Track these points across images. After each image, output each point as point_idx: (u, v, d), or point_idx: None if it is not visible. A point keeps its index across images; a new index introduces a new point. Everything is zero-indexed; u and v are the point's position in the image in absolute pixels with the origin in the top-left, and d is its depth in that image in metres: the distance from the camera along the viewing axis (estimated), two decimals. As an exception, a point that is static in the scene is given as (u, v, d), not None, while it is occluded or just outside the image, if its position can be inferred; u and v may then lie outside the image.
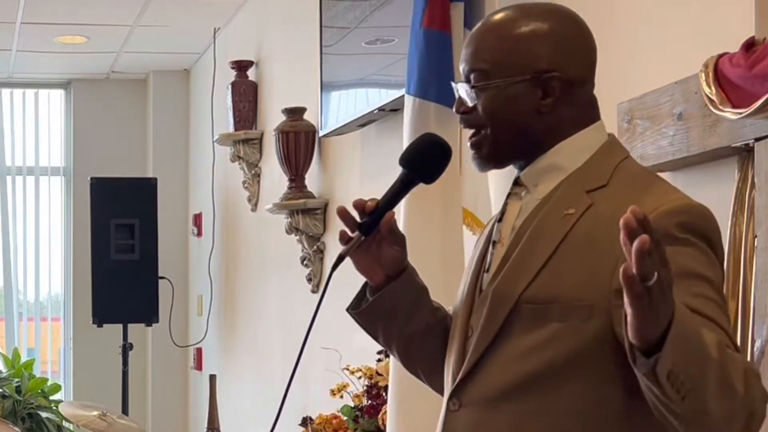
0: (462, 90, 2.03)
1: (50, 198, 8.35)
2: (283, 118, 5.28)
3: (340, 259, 2.06)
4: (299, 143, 5.21)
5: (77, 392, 7.96)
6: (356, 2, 4.41)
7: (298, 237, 5.28)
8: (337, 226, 5.19)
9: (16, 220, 8.24)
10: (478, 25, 2.07)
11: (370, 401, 3.91)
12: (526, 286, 1.93)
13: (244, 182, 6.29)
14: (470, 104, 2.02)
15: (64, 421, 7.03)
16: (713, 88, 2.28)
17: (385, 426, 3.48)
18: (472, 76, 2.01)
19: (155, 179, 7.27)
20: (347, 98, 4.61)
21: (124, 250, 7.06)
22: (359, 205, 2.05)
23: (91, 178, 7.16)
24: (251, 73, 6.29)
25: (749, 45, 2.24)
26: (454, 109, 2.07)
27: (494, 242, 2.06)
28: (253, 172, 6.22)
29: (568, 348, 1.88)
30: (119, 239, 7.05)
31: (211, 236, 7.13)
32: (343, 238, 2.06)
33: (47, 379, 7.66)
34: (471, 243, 3.39)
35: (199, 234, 7.57)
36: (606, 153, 2.00)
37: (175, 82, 8.02)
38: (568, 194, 1.96)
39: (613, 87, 2.89)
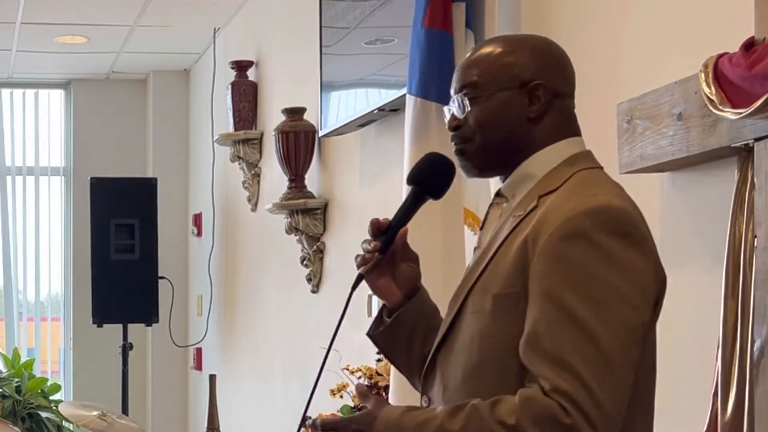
0: (453, 103, 2.14)
1: (50, 198, 8.35)
2: (283, 118, 5.28)
3: (359, 278, 2.16)
4: (299, 143, 5.21)
5: (77, 392, 7.96)
6: (356, 2, 4.41)
7: (297, 237, 5.28)
8: (337, 226, 5.20)
9: (16, 220, 8.24)
10: (467, 54, 2.20)
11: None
12: (474, 281, 2.07)
13: (244, 182, 6.29)
14: (462, 115, 2.12)
15: (64, 421, 7.03)
16: (713, 88, 2.28)
17: (385, 426, 3.47)
18: (463, 90, 2.13)
19: (155, 179, 7.27)
20: (347, 98, 4.61)
21: (124, 250, 7.06)
22: (375, 224, 2.15)
23: (91, 178, 7.16)
24: (251, 73, 6.29)
25: (749, 45, 2.24)
26: (447, 127, 2.16)
27: (475, 249, 2.19)
28: (253, 172, 6.22)
29: (503, 333, 1.99)
30: (119, 239, 7.05)
31: (211, 236, 7.13)
32: (361, 259, 2.15)
33: (47, 379, 7.66)
34: (472, 243, 3.40)
35: (199, 234, 7.57)
36: (571, 162, 2.10)
37: (175, 82, 8.02)
38: (527, 198, 2.08)
39: (613, 87, 2.89)
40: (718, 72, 2.28)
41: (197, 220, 7.61)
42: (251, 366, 6.41)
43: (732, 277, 2.32)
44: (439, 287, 3.29)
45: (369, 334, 2.26)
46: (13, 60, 7.54)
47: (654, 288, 1.97)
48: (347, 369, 3.98)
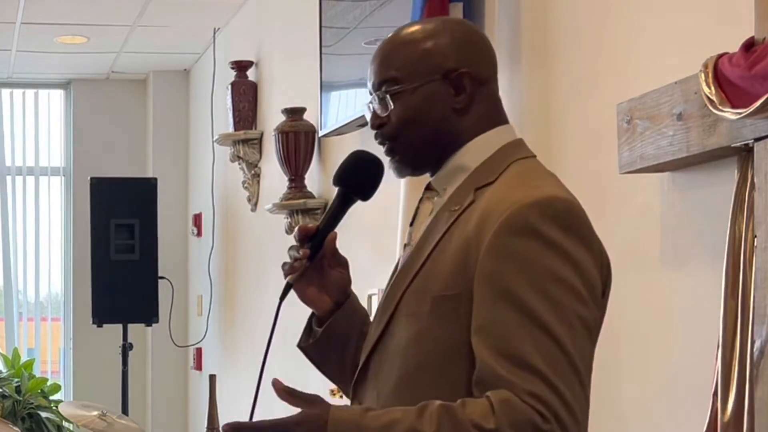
0: (375, 101, 2.04)
1: (50, 198, 8.35)
2: (282, 118, 5.28)
3: (288, 287, 2.07)
4: (299, 143, 5.21)
5: (77, 392, 7.96)
6: (356, 2, 4.41)
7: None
8: (337, 226, 5.19)
9: (16, 220, 8.24)
10: (380, 42, 2.09)
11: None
12: (409, 282, 1.97)
13: (244, 182, 6.29)
14: (385, 113, 2.02)
15: (64, 421, 7.03)
16: (713, 88, 2.28)
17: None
18: (383, 87, 2.03)
19: (155, 179, 7.27)
20: (347, 98, 4.61)
21: (124, 250, 7.06)
22: (302, 230, 2.06)
23: (91, 178, 7.16)
24: (251, 73, 6.29)
25: (749, 45, 2.24)
26: (370, 125, 2.07)
27: (405, 245, 2.09)
28: (252, 172, 6.22)
29: (444, 337, 1.90)
30: (119, 239, 7.05)
31: (211, 236, 7.13)
32: (289, 267, 2.06)
33: (47, 379, 7.67)
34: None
35: (199, 234, 7.57)
36: (505, 152, 2.02)
37: (175, 82, 8.02)
38: (461, 192, 1.99)
39: (613, 87, 2.89)
40: (718, 72, 2.28)
41: (197, 220, 7.60)
42: (251, 366, 6.40)
43: (732, 277, 2.32)
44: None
45: (300, 346, 2.17)
46: (13, 60, 7.54)
47: (600, 283, 1.92)
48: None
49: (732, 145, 2.33)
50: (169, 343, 7.31)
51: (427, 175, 2.09)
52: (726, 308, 2.32)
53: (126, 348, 7.09)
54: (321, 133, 4.91)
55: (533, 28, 3.32)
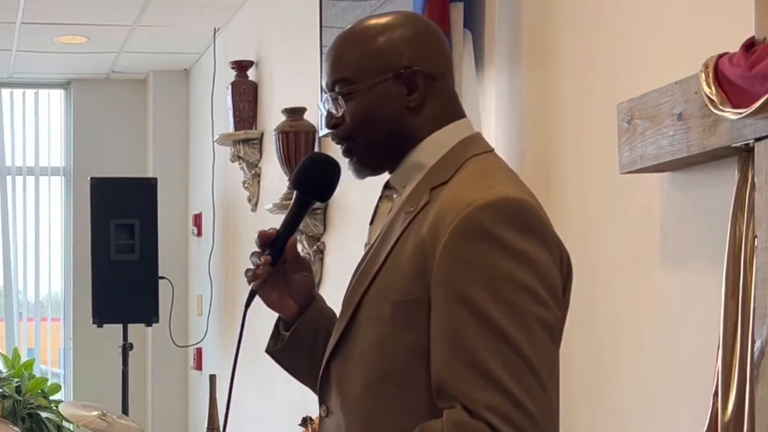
0: (328, 101, 2.03)
1: (50, 198, 8.35)
2: (283, 118, 5.27)
3: (253, 294, 2.06)
4: (299, 143, 5.21)
5: (77, 392, 7.96)
6: (356, 2, 4.41)
7: (298, 237, 5.28)
8: (337, 226, 5.19)
9: (16, 220, 8.24)
10: (334, 39, 2.08)
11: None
12: (367, 286, 1.95)
13: (244, 182, 6.29)
14: (339, 114, 2.02)
15: (64, 421, 7.03)
16: (713, 88, 2.28)
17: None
18: (336, 87, 2.02)
19: (155, 179, 7.27)
20: (347, 98, 4.60)
21: (124, 250, 7.06)
22: (263, 236, 2.05)
23: (91, 178, 7.16)
24: (251, 73, 6.29)
25: (749, 45, 2.23)
26: (324, 126, 2.07)
27: (366, 245, 2.08)
28: (253, 172, 6.22)
29: (406, 343, 1.89)
30: (119, 239, 7.05)
31: (211, 236, 7.12)
32: (252, 274, 2.06)
33: (47, 379, 7.66)
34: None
35: (199, 234, 7.57)
36: (461, 148, 2.00)
37: (175, 82, 8.02)
38: (417, 192, 1.98)
39: (613, 87, 2.89)
40: (718, 72, 2.28)
41: (197, 220, 7.60)
42: (251, 366, 6.40)
43: (732, 277, 2.32)
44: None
45: (268, 351, 2.16)
46: (13, 60, 7.54)
47: (560, 280, 1.89)
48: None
49: (732, 145, 2.32)
50: (169, 343, 7.31)
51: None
52: (726, 308, 2.32)
53: (126, 348, 7.09)
54: (321, 133, 4.91)
55: (533, 28, 3.32)
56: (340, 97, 2.00)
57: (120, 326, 7.09)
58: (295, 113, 5.26)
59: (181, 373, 7.96)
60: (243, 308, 2.11)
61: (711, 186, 2.53)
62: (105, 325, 7.07)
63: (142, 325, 7.28)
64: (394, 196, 2.05)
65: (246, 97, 6.22)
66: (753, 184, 2.27)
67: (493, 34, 3.50)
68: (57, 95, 8.36)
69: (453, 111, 2.04)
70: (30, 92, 8.28)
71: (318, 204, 2.28)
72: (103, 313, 7.04)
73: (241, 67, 6.26)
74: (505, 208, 1.85)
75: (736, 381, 2.28)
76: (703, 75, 2.30)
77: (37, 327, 8.37)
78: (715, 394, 2.33)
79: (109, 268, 7.01)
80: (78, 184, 7.96)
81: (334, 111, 2.03)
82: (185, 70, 7.99)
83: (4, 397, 7.29)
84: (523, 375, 1.78)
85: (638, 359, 2.80)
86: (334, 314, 2.13)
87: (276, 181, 5.72)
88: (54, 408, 7.26)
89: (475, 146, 2.01)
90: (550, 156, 3.22)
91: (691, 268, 2.61)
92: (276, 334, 2.16)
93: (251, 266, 2.08)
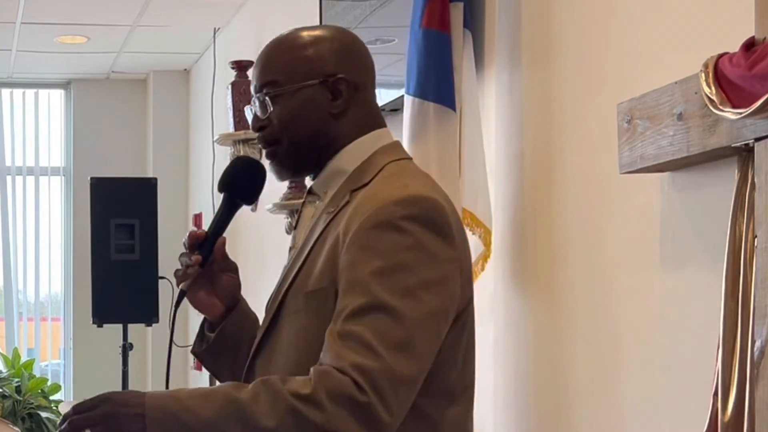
0: (256, 103, 2.12)
1: (50, 198, 8.35)
2: (283, 118, 5.27)
3: (182, 295, 2.12)
4: (299, 143, 5.20)
5: (77, 392, 7.96)
6: (356, 2, 4.41)
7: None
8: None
9: (16, 220, 8.24)
10: (264, 47, 2.16)
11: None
12: (289, 285, 2.04)
13: (244, 182, 6.27)
14: (265, 116, 2.09)
15: (64, 421, 7.02)
16: (713, 88, 2.28)
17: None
18: (264, 90, 2.10)
19: (155, 179, 7.27)
20: (347, 98, 4.60)
21: (124, 250, 7.05)
22: (193, 236, 2.12)
23: (91, 178, 7.15)
24: (251, 73, 6.28)
25: (749, 45, 2.23)
26: (251, 128, 2.14)
27: (290, 249, 2.17)
28: (253, 172, 6.21)
29: (318, 332, 1.96)
30: (119, 239, 7.04)
31: (211, 236, 7.12)
32: (183, 274, 2.11)
33: (47, 379, 7.67)
34: (471, 243, 3.40)
35: (199, 234, 7.56)
36: (380, 155, 2.09)
37: (175, 82, 8.02)
38: (339, 194, 2.07)
39: (613, 87, 2.88)
40: (718, 72, 2.28)
41: (197, 220, 7.60)
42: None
43: (732, 277, 2.32)
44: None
45: (194, 352, 2.22)
46: (13, 60, 7.54)
47: (457, 277, 1.98)
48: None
49: (732, 145, 2.32)
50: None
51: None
52: (726, 308, 2.32)
53: (126, 348, 7.09)
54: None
55: (533, 28, 3.32)
56: (267, 98, 2.09)
57: (120, 326, 7.08)
58: (295, 113, 5.25)
59: (181, 373, 7.96)
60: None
61: (711, 186, 2.52)
62: (105, 325, 7.06)
63: (142, 325, 7.27)
64: (317, 201, 2.14)
65: (246, 97, 6.22)
66: (753, 184, 2.27)
67: (493, 34, 3.50)
68: (57, 95, 8.36)
69: (374, 120, 2.13)
70: (30, 92, 8.28)
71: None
72: (103, 313, 7.04)
73: (241, 67, 6.26)
74: (415, 205, 1.95)
75: (736, 381, 2.28)
76: (703, 75, 2.30)
77: (37, 327, 8.37)
78: (715, 394, 2.33)
79: (109, 268, 7.01)
80: (78, 184, 7.96)
81: (260, 113, 2.11)
82: (185, 70, 7.99)
83: (4, 397, 7.29)
84: (399, 347, 1.87)
85: (638, 359, 2.80)
86: (257, 318, 2.21)
87: (275, 181, 5.70)
88: (54, 408, 7.26)
89: (394, 153, 2.11)
90: (550, 156, 3.22)
91: (691, 268, 2.61)
92: (201, 335, 2.22)
93: (184, 267, 2.13)
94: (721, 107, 2.25)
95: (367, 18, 4.31)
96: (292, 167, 2.12)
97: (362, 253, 1.92)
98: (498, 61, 3.48)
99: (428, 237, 1.93)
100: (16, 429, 5.98)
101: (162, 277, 7.13)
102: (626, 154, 2.65)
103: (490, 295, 3.45)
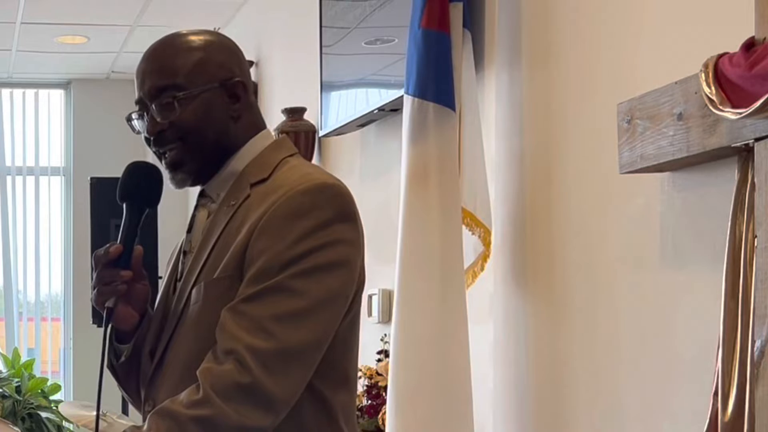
0: (154, 109, 2.11)
1: (50, 198, 8.35)
2: (283, 118, 5.27)
3: (111, 312, 2.11)
4: (299, 143, 5.21)
5: (77, 392, 7.96)
6: (356, 2, 4.41)
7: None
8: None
9: (16, 220, 8.24)
10: (147, 52, 2.16)
11: (369, 401, 3.91)
12: (196, 277, 2.07)
13: (244, 182, 6.28)
14: (165, 120, 2.09)
15: (64, 421, 7.02)
16: (713, 88, 2.27)
17: (384, 426, 3.48)
18: (164, 93, 2.09)
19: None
20: (347, 98, 4.60)
21: (124, 250, 7.05)
22: (115, 252, 2.11)
23: (91, 178, 7.15)
24: (251, 73, 6.28)
25: (749, 45, 2.23)
26: (145, 134, 2.16)
27: (185, 252, 2.18)
28: (253, 172, 6.21)
29: (216, 318, 1.99)
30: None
31: (211, 236, 7.12)
32: (112, 291, 2.11)
33: (47, 379, 7.66)
34: (471, 243, 3.40)
35: (199, 234, 7.56)
36: (271, 151, 2.14)
37: (175, 82, 8.02)
38: (236, 188, 2.10)
39: (613, 87, 2.88)
40: (718, 72, 2.28)
41: (197, 220, 7.60)
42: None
43: (732, 277, 2.32)
44: (438, 288, 3.29)
45: (111, 366, 2.22)
46: (13, 60, 7.54)
47: (359, 262, 2.05)
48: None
49: (732, 145, 2.32)
50: (169, 343, 7.31)
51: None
52: (726, 308, 2.32)
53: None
54: (321, 133, 4.90)
55: (533, 28, 3.32)
56: (174, 102, 2.07)
57: (120, 326, 7.08)
58: (295, 113, 5.25)
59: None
60: None
61: (711, 186, 2.52)
62: (105, 325, 7.06)
63: (142, 325, 7.27)
64: (208, 203, 2.15)
65: (246, 97, 6.21)
66: (753, 184, 2.27)
67: (493, 34, 3.49)
68: (57, 95, 8.36)
69: (260, 121, 2.18)
70: (30, 92, 8.28)
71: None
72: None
73: (241, 67, 6.25)
74: (322, 193, 2.01)
75: (736, 381, 2.28)
76: (703, 75, 2.30)
77: (37, 327, 8.37)
78: (715, 394, 2.33)
79: (109, 268, 7.00)
80: (78, 184, 7.96)
81: (159, 118, 2.10)
82: (185, 70, 7.99)
83: (4, 397, 7.28)
84: (290, 322, 1.93)
85: (638, 359, 2.80)
86: None
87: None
88: (54, 408, 7.26)
89: (285, 149, 2.16)
90: (550, 156, 3.21)
91: (691, 268, 2.61)
92: (112, 349, 2.22)
93: (110, 284, 2.13)
94: (721, 107, 2.25)
95: (367, 18, 4.31)
96: (195, 171, 2.13)
97: (272, 242, 1.96)
98: (498, 61, 3.47)
99: (336, 222, 1.99)
100: (16, 429, 5.97)
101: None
102: (626, 154, 2.65)
103: (490, 294, 3.45)
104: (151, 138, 2.13)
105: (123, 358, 2.19)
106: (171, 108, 2.08)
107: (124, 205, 2.16)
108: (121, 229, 2.13)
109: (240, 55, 2.18)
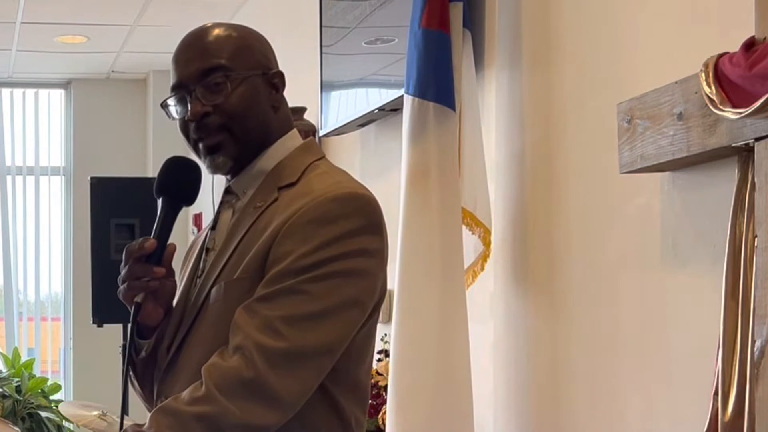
0: (198, 91, 2.06)
1: (50, 198, 8.35)
2: (283, 117, 5.27)
3: (138, 308, 2.09)
4: (299, 143, 5.20)
5: (77, 392, 7.96)
6: (356, 2, 4.41)
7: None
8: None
9: (16, 220, 8.24)
10: (186, 38, 2.14)
11: (369, 401, 3.91)
12: (218, 274, 2.05)
13: (244, 182, 6.27)
14: (211, 102, 2.05)
15: (64, 421, 7.02)
16: (713, 87, 2.27)
17: (384, 426, 3.48)
18: (211, 75, 2.05)
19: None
20: (347, 98, 4.60)
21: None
22: (150, 247, 2.08)
23: (91, 178, 7.15)
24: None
25: (749, 45, 2.23)
26: (189, 117, 2.09)
27: (207, 249, 2.16)
28: (253, 171, 6.21)
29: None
30: (119, 239, 7.03)
31: (211, 236, 7.12)
32: (141, 286, 2.08)
33: (47, 379, 7.66)
34: (471, 243, 3.40)
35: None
36: (300, 153, 2.12)
37: (175, 82, 8.02)
38: (263, 190, 2.08)
39: (613, 87, 2.88)
40: (718, 72, 2.28)
41: (197, 219, 7.60)
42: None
43: (732, 277, 2.32)
44: (438, 287, 3.29)
45: (132, 362, 2.20)
46: (13, 60, 7.54)
47: (382, 274, 2.05)
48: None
49: (732, 145, 2.32)
50: (169, 343, 7.30)
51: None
52: (726, 308, 2.32)
53: (126, 348, 7.08)
54: (321, 133, 4.90)
55: (533, 28, 3.32)
56: (225, 82, 2.04)
57: (120, 326, 7.08)
58: (295, 113, 5.25)
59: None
60: None
61: (711, 186, 2.52)
62: (105, 325, 7.06)
63: (143, 325, 7.27)
64: (234, 201, 2.15)
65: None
66: (753, 184, 2.27)
67: (493, 34, 3.49)
68: (57, 95, 8.36)
69: (290, 120, 2.17)
70: (30, 92, 8.28)
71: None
72: (103, 313, 7.03)
73: (241, 67, 6.26)
74: (352, 202, 2.00)
75: (736, 381, 2.28)
76: (703, 75, 2.30)
77: (37, 327, 8.37)
78: (715, 394, 2.33)
79: (109, 268, 6.98)
80: (78, 184, 7.96)
81: (204, 100, 2.05)
82: (185, 70, 7.99)
83: (4, 397, 7.29)
84: (304, 323, 1.92)
85: (638, 359, 2.80)
86: None
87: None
88: (54, 408, 7.26)
89: (313, 153, 2.14)
90: (550, 156, 3.21)
91: (691, 268, 2.61)
92: (133, 344, 2.20)
93: (141, 279, 2.09)
94: (721, 107, 2.25)
95: (367, 18, 4.31)
96: (235, 157, 2.10)
97: (295, 245, 1.95)
98: (498, 61, 3.47)
99: (362, 232, 1.98)
100: (16, 429, 5.97)
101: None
102: (626, 153, 2.65)
103: (490, 294, 3.45)
104: (193, 122, 2.08)
105: (143, 354, 2.17)
106: (218, 90, 2.05)
107: (160, 200, 2.13)
108: (155, 223, 2.11)
109: (273, 52, 2.18)
